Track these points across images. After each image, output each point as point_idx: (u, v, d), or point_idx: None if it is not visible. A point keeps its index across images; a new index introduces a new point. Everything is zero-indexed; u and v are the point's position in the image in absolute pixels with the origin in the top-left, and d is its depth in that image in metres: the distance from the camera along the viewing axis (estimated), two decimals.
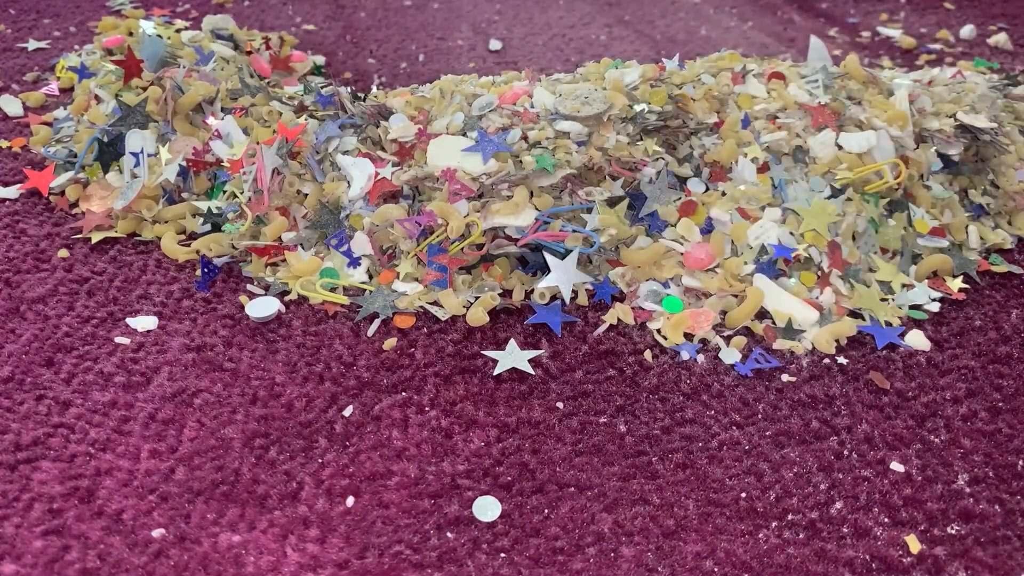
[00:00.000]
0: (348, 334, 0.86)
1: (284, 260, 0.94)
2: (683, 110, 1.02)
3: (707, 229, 0.94)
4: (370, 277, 0.92)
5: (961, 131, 1.03)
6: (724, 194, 0.96)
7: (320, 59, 1.47)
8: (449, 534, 0.66)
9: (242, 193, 0.99)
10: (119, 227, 1.00)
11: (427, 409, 0.77)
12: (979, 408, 0.78)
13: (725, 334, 0.87)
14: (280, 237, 0.95)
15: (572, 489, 0.70)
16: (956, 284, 0.93)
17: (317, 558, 0.64)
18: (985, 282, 0.95)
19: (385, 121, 1.01)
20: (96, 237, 0.98)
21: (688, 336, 0.87)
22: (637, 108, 0.99)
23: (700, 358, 0.84)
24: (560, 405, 0.78)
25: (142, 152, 1.04)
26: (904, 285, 0.92)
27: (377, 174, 0.94)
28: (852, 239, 0.94)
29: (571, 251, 0.89)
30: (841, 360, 0.84)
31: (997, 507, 0.69)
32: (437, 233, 0.90)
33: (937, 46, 1.60)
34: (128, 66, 1.13)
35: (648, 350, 0.85)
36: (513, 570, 0.64)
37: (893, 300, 0.91)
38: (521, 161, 0.93)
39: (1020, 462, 0.73)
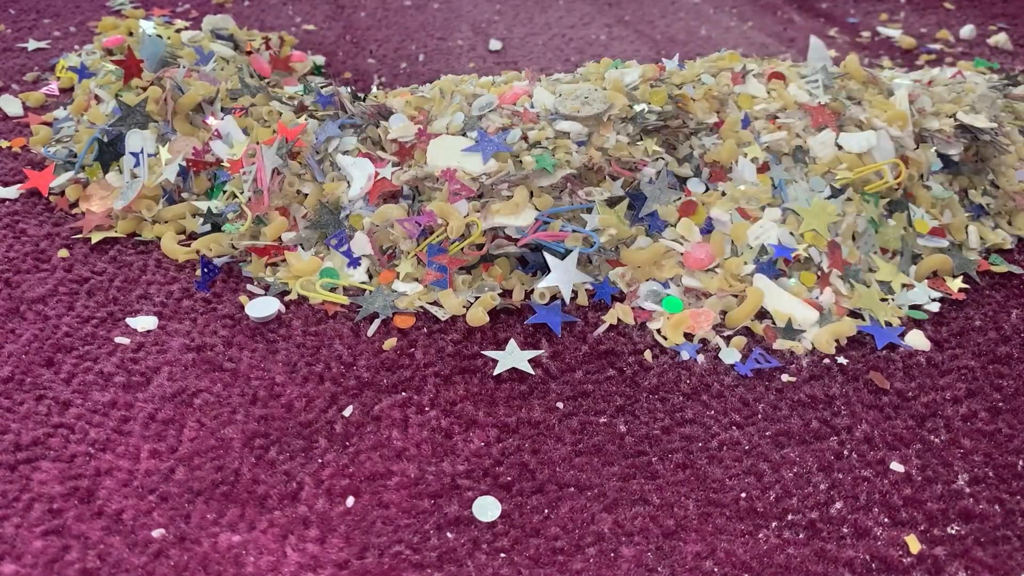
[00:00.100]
0: (348, 334, 0.86)
1: (284, 260, 0.94)
2: (683, 110, 1.02)
3: (707, 229, 0.94)
4: (370, 277, 0.92)
5: (961, 131, 1.03)
6: (724, 194, 0.96)
7: (320, 59, 1.47)
8: (449, 534, 0.66)
9: (242, 193, 0.99)
10: (119, 227, 1.00)
11: (427, 409, 0.77)
12: (979, 408, 0.78)
13: (725, 334, 0.87)
14: (280, 237, 0.95)
15: (572, 489, 0.70)
16: (956, 284, 0.93)
17: (317, 558, 0.64)
18: (985, 282, 0.95)
19: (385, 121, 1.01)
20: (96, 237, 0.98)
21: (688, 336, 0.87)
22: (637, 108, 0.99)
23: (700, 358, 0.84)
24: (560, 405, 0.78)
25: (142, 152, 1.04)
26: (904, 285, 0.92)
27: (377, 174, 0.94)
28: (852, 239, 0.94)
29: (571, 251, 0.89)
30: (841, 360, 0.84)
31: (997, 507, 0.69)
32: (437, 233, 0.90)
33: (937, 46, 1.60)
34: (128, 66, 1.13)
35: (648, 350, 0.85)
36: (513, 570, 0.64)
37: (893, 300, 0.91)
38: (521, 161, 0.93)
39: (1020, 462, 0.73)
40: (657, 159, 0.97)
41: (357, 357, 0.83)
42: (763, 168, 0.97)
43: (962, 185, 1.03)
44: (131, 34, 1.43)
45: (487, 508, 0.68)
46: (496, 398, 0.79)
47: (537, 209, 0.91)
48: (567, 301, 0.89)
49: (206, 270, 0.93)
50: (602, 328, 0.87)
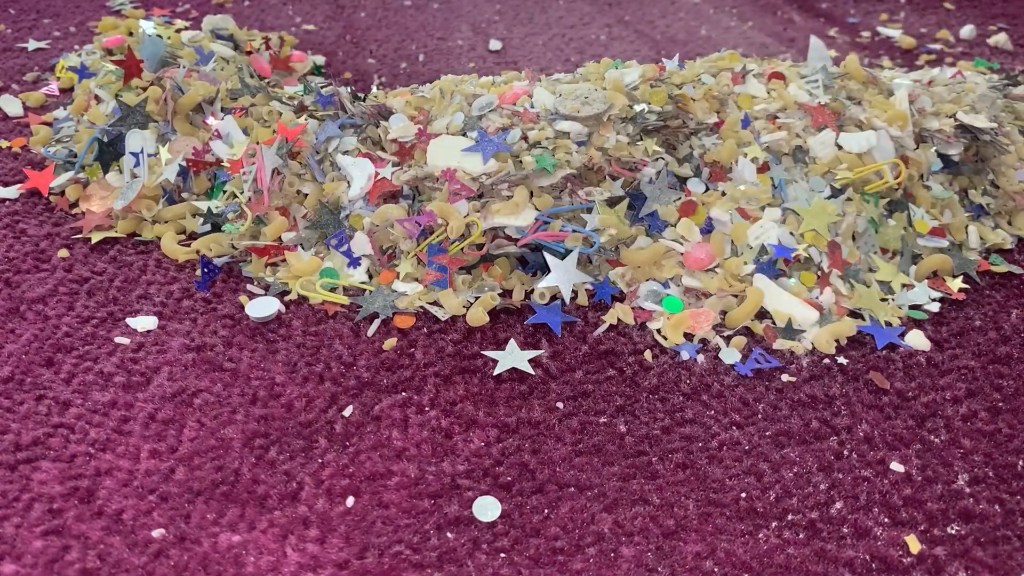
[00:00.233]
0: (348, 334, 0.86)
1: (284, 260, 0.94)
2: (683, 110, 1.02)
3: (707, 229, 0.94)
4: (370, 277, 0.92)
5: (961, 131, 1.03)
6: (724, 194, 0.96)
7: (320, 59, 1.47)
8: (449, 534, 0.66)
9: (242, 193, 0.99)
10: (119, 227, 1.00)
11: (427, 409, 0.77)
12: (979, 408, 0.78)
13: (725, 334, 0.87)
14: (280, 237, 0.95)
15: (572, 489, 0.70)
16: (956, 284, 0.93)
17: (317, 558, 0.64)
18: (985, 282, 0.95)
19: (385, 121, 1.01)
20: (96, 237, 0.98)
21: (688, 336, 0.87)
22: (637, 108, 0.99)
23: (700, 358, 0.84)
24: (560, 405, 0.78)
25: (142, 152, 1.04)
26: (904, 285, 0.92)
27: (377, 174, 0.94)
28: (852, 239, 0.94)
29: (571, 251, 0.89)
30: (841, 360, 0.84)
31: (997, 507, 0.69)
32: (437, 233, 0.90)
33: (937, 46, 1.60)
34: (128, 66, 1.13)
35: (648, 350, 0.85)
36: (513, 570, 0.64)
37: (893, 300, 0.91)
38: (521, 161, 0.93)
39: (1020, 462, 0.73)
40: (657, 159, 0.97)
41: (357, 357, 0.83)
42: (763, 168, 0.97)
43: (962, 185, 1.03)
44: (131, 34, 1.43)
45: (487, 508, 0.68)
46: (496, 398, 0.79)
47: (537, 209, 0.91)
48: (567, 301, 0.89)
49: (206, 270, 0.93)
50: (602, 328, 0.87)
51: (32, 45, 1.49)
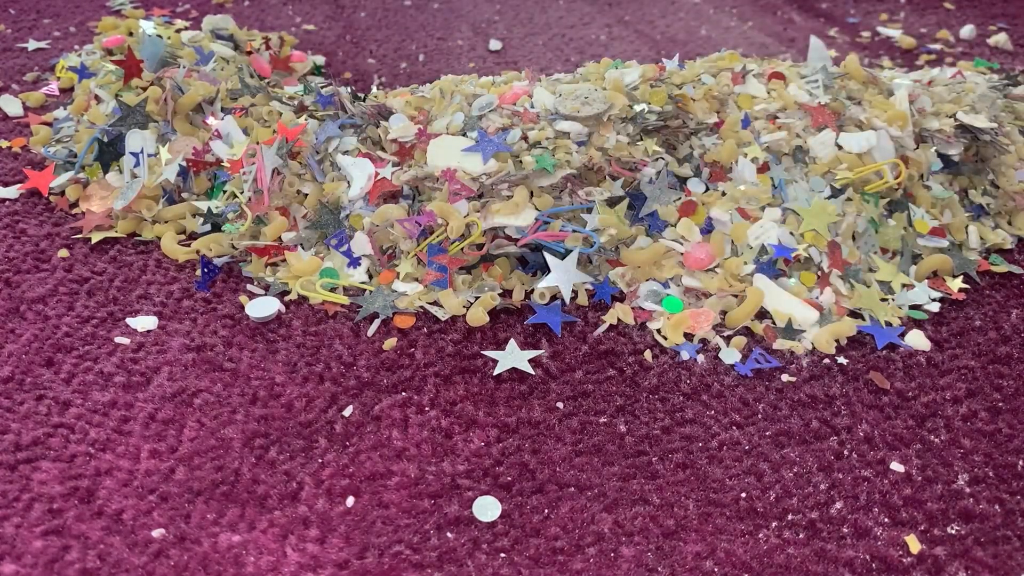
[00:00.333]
0: (348, 334, 0.86)
1: (284, 260, 0.94)
2: (683, 110, 1.02)
3: (707, 229, 0.94)
4: (370, 277, 0.92)
5: (961, 131, 1.03)
6: (724, 194, 0.96)
7: (320, 59, 1.47)
8: (449, 534, 0.66)
9: (242, 193, 0.99)
10: (119, 227, 1.00)
11: (427, 409, 0.77)
12: (979, 408, 0.78)
13: (725, 334, 0.87)
14: (280, 237, 0.95)
15: (572, 489, 0.70)
16: (956, 284, 0.93)
17: (317, 558, 0.64)
18: (985, 282, 0.95)
19: (385, 121, 1.01)
20: (96, 237, 0.98)
21: (688, 336, 0.87)
22: (637, 108, 0.99)
23: (700, 358, 0.84)
24: (560, 405, 0.78)
25: (142, 152, 1.04)
26: (904, 285, 0.92)
27: (377, 174, 0.94)
28: (852, 239, 0.94)
29: (571, 251, 0.89)
30: (841, 360, 0.84)
31: (997, 507, 0.69)
32: (437, 233, 0.90)
33: (937, 46, 1.60)
34: (128, 66, 1.13)
35: (648, 350, 0.85)
36: (513, 570, 0.64)
37: (893, 300, 0.91)
38: (521, 161, 0.93)
39: (1020, 462, 0.73)
40: (657, 159, 0.97)
41: (357, 357, 0.83)
42: (763, 168, 0.97)
43: (962, 185, 1.03)
44: (131, 34, 1.43)
45: (487, 508, 0.68)
46: (496, 398, 0.79)
47: (537, 209, 0.91)
48: (567, 301, 0.89)
49: (206, 270, 0.93)
50: (602, 328, 0.87)
51: (32, 45, 1.49)
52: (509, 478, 0.71)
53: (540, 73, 1.45)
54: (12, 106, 1.26)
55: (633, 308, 0.89)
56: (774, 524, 0.67)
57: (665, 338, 0.86)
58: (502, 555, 0.65)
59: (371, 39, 1.61)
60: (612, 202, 0.95)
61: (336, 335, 0.86)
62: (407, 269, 0.91)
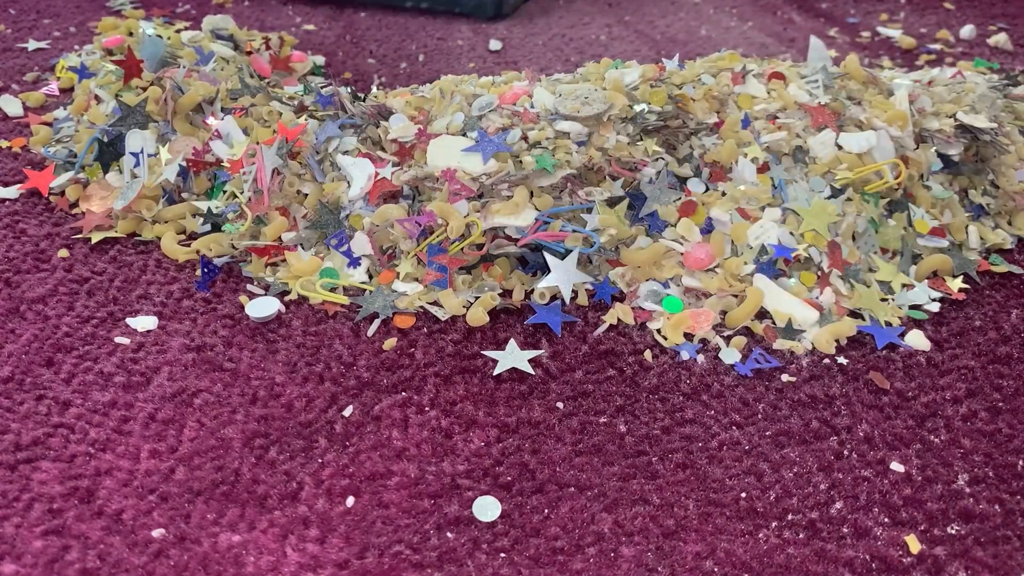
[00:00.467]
0: (348, 334, 0.86)
1: (284, 260, 0.94)
2: (683, 110, 1.02)
3: (707, 229, 0.94)
4: (370, 277, 0.92)
5: (961, 131, 1.03)
6: (724, 194, 0.96)
7: (320, 59, 1.47)
8: (449, 534, 0.66)
9: (242, 193, 0.99)
10: (119, 227, 1.00)
11: (427, 409, 0.77)
12: (979, 408, 0.78)
13: (725, 334, 0.87)
14: (280, 237, 0.95)
15: (572, 489, 0.70)
16: (956, 284, 0.93)
17: (317, 558, 0.64)
18: (985, 282, 0.95)
19: (385, 121, 1.01)
20: (96, 237, 0.98)
21: (688, 336, 0.87)
22: (637, 108, 0.99)
23: (700, 358, 0.84)
24: (560, 405, 0.78)
25: (142, 152, 1.04)
26: (904, 285, 0.92)
27: (377, 174, 0.94)
28: (852, 239, 0.94)
29: (571, 251, 0.89)
30: (841, 360, 0.84)
31: (997, 507, 0.69)
32: (437, 233, 0.90)
33: (937, 46, 1.60)
34: (128, 66, 1.13)
35: (648, 350, 0.85)
36: (513, 570, 0.64)
37: (893, 300, 0.91)
38: (521, 161, 0.93)
39: (1020, 462, 0.73)
40: (657, 159, 0.97)
41: (357, 357, 0.83)
42: (763, 168, 0.97)
43: (962, 185, 1.03)
44: (131, 34, 1.43)
45: (487, 508, 0.68)
46: (496, 398, 0.79)
47: (537, 209, 0.91)
48: (567, 301, 0.89)
49: (206, 270, 0.93)
50: (602, 328, 0.87)
51: (32, 45, 1.49)
52: (509, 478, 0.71)
53: (540, 73, 1.45)
54: (12, 106, 1.26)
55: (633, 308, 0.89)
56: (774, 524, 0.67)
57: (665, 338, 0.86)
58: (502, 555, 0.65)
59: (371, 39, 1.61)
60: (612, 202, 0.95)
61: (336, 335, 0.86)
62: (407, 269, 0.91)
